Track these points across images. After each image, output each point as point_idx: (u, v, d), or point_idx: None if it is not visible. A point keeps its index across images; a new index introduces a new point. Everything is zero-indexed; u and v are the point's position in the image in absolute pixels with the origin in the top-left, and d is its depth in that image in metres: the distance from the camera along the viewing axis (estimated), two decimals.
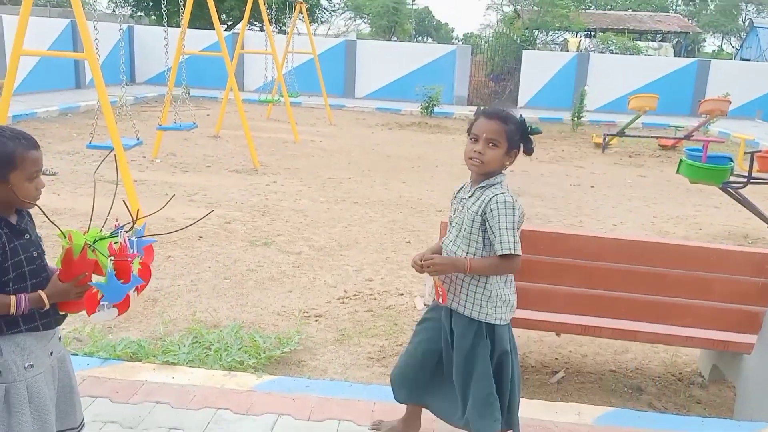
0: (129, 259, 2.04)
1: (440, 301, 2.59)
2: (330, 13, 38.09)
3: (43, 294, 1.93)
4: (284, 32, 21.26)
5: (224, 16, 27.23)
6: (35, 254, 1.98)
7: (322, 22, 37.07)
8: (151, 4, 27.40)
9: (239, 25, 27.72)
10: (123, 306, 2.07)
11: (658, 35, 33.85)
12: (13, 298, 1.89)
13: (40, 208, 1.97)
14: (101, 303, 2.01)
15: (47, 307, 1.95)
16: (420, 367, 2.71)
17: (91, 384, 3.01)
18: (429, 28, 59.02)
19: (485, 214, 2.44)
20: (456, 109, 18.78)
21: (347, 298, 4.73)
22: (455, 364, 2.57)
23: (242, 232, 6.18)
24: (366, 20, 49.33)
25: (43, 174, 2.08)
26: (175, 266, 5.12)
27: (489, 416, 2.49)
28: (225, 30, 25.70)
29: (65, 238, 1.93)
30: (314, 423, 2.88)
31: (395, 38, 41.49)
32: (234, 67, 11.03)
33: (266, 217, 6.77)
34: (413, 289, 5.00)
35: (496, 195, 2.45)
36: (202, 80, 18.51)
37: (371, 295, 4.82)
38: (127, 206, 2.06)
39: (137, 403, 2.90)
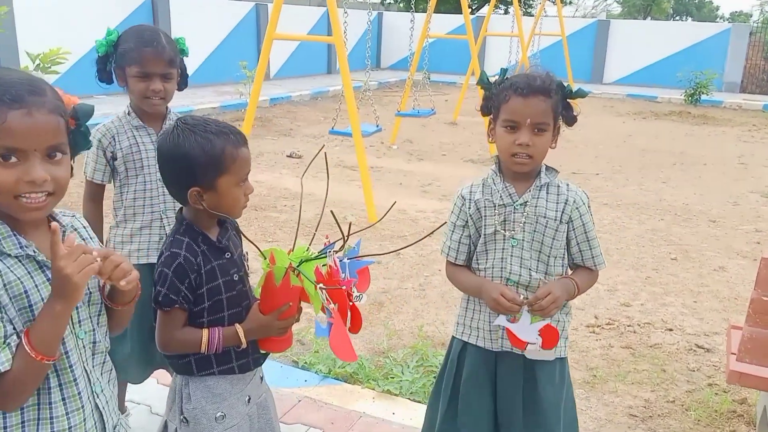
0: (344, 287, 1.56)
1: (520, 348, 1.91)
2: None
3: (239, 329, 1.54)
4: (530, 14, 20.27)
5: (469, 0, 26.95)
6: (236, 278, 1.59)
7: (569, 3, 34.99)
8: None
9: (483, 9, 27.28)
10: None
11: None
12: (205, 332, 1.52)
13: (236, 227, 1.55)
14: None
15: (244, 345, 1.55)
16: None
17: (306, 408, 2.68)
18: (689, 7, 53.15)
19: (572, 221, 1.90)
20: (726, 97, 16.19)
21: (599, 326, 3.91)
22: (536, 421, 1.97)
23: None
24: None
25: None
26: (404, 265, 4.74)
27: None
28: (470, 14, 25.43)
29: (266, 259, 1.50)
30: None
31: (649, 18, 37.77)
32: (476, 51, 10.52)
33: None
34: (685, 324, 3.99)
35: (577, 193, 1.93)
36: (441, 65, 18.37)
37: (629, 326, 3.94)
38: (336, 219, 1.56)
39: None
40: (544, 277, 1.90)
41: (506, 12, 26.70)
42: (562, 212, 1.89)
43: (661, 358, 3.55)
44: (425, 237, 1.84)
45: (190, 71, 2.34)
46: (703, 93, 15.01)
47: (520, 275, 1.90)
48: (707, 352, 3.65)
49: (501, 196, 1.91)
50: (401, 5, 30.58)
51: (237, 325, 1.54)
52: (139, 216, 2.20)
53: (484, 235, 1.94)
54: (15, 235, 1.20)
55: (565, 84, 1.93)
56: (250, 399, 1.65)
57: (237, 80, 11.89)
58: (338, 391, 2.85)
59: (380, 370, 3.13)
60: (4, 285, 1.17)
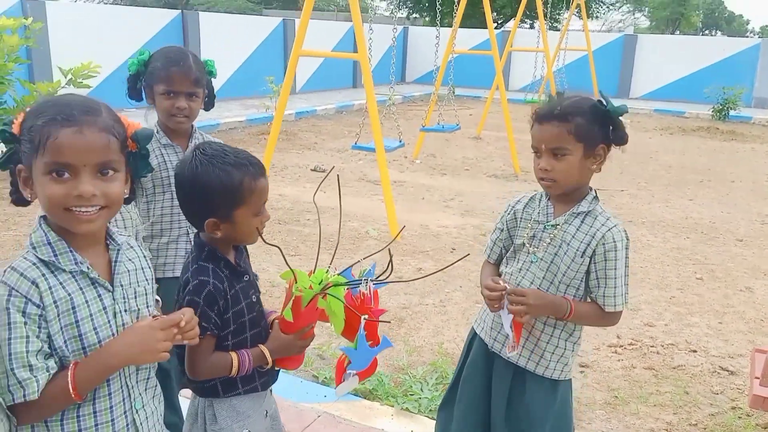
0: (376, 318, 1.62)
1: (508, 350, 1.97)
2: (607, 8, 35.61)
3: (265, 350, 1.58)
4: (556, 29, 20.24)
5: (495, 14, 26.97)
6: (254, 299, 1.64)
7: (596, 17, 34.80)
8: (427, 5, 28.32)
9: (510, 23, 27.29)
10: (367, 372, 1.69)
11: None
12: (234, 356, 1.55)
13: (281, 250, 1.52)
14: (347, 371, 1.61)
15: (270, 365, 1.59)
16: None
17: (325, 423, 2.71)
18: (719, 21, 52.56)
19: (595, 255, 1.87)
20: (755, 113, 15.94)
21: (621, 346, 3.88)
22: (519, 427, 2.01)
23: None
24: (646, 13, 45.48)
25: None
26: (425, 281, 4.74)
27: None
28: (495, 28, 25.48)
29: (296, 282, 1.55)
30: None
31: (677, 32, 37.42)
32: (502, 65, 10.53)
33: None
34: (709, 345, 3.94)
35: (611, 229, 1.87)
36: (466, 79, 18.40)
37: (652, 346, 3.90)
38: (393, 255, 1.59)
39: None
40: None
41: (531, 27, 26.66)
42: (587, 245, 1.87)
43: (684, 380, 3.51)
44: (448, 267, 1.87)
45: (218, 85, 2.42)
46: (731, 109, 14.82)
47: (524, 286, 1.96)
48: (731, 374, 3.60)
49: (539, 213, 1.97)
50: (427, 20, 30.74)
51: (262, 346, 1.59)
52: (166, 231, 2.27)
53: (514, 244, 2.02)
54: (71, 251, 1.26)
55: (604, 102, 1.87)
56: (267, 413, 1.70)
57: (263, 94, 12.06)
58: (357, 407, 2.88)
59: (399, 387, 3.15)
60: (54, 301, 1.22)
